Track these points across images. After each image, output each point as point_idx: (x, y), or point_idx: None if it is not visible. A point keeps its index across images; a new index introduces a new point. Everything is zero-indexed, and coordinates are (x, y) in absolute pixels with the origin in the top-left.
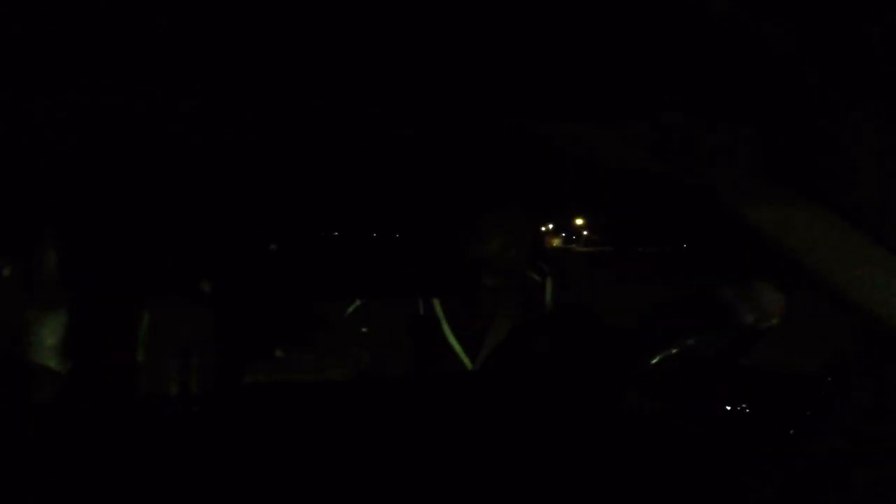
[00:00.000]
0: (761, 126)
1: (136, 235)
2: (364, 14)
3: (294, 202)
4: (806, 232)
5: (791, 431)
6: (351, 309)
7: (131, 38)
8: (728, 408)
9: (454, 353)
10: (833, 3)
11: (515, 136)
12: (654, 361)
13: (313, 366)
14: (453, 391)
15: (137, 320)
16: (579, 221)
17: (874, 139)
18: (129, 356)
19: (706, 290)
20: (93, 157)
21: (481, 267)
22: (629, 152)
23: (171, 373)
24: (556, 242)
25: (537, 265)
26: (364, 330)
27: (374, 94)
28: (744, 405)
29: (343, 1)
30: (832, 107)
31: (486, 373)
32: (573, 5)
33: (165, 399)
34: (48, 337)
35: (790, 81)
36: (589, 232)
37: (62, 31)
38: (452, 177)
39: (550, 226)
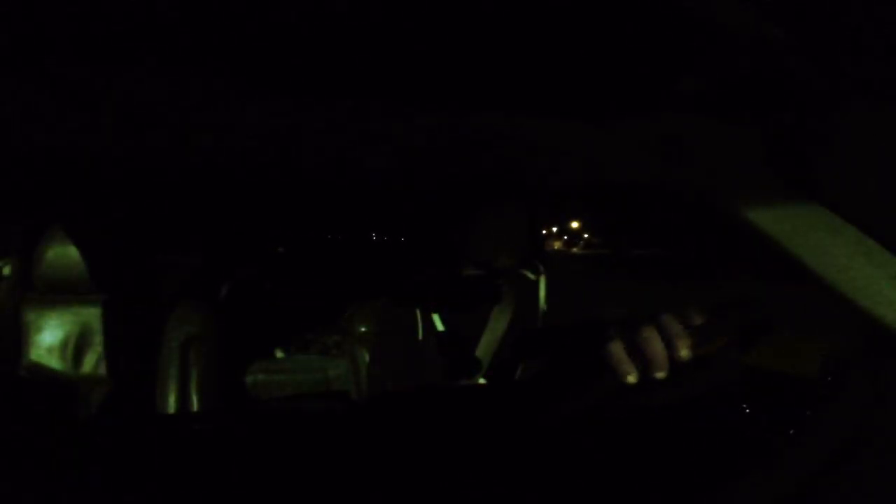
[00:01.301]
0: (761, 126)
1: (162, 237)
2: (360, 14)
3: (299, 206)
4: (806, 232)
5: (791, 431)
6: (351, 309)
7: (140, 30)
8: (728, 408)
9: (449, 353)
10: (833, 3)
11: (510, 136)
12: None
13: (313, 366)
14: (451, 395)
15: (163, 324)
16: (575, 224)
17: (874, 139)
18: (154, 362)
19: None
20: (113, 157)
21: (475, 266)
22: (627, 154)
23: (172, 376)
24: (557, 245)
25: (532, 264)
26: (363, 329)
27: (371, 94)
28: (744, 405)
29: (337, 3)
30: (832, 107)
31: (483, 375)
32: (571, 4)
33: (167, 412)
34: (48, 337)
35: (790, 81)
36: (589, 235)
37: (78, 19)
38: (447, 177)
39: (554, 229)
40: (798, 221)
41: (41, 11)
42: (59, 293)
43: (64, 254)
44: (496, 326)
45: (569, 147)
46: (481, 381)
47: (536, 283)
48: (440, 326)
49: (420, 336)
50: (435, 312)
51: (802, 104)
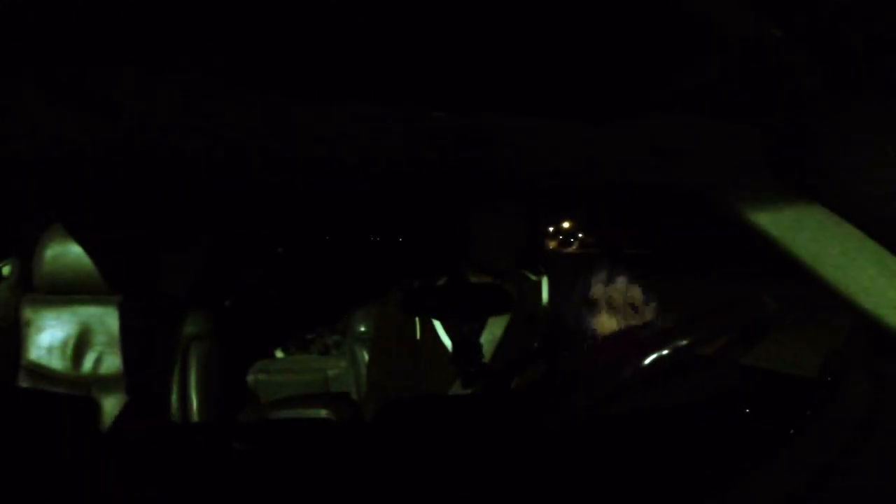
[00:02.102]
0: (761, 127)
1: (163, 237)
2: (356, 14)
3: (298, 205)
4: (806, 232)
5: (791, 431)
6: (351, 310)
7: (135, 31)
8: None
9: (448, 355)
10: (832, 4)
11: (510, 136)
12: (646, 362)
13: (313, 366)
14: (451, 398)
15: (164, 324)
16: (567, 224)
17: (873, 139)
18: (155, 362)
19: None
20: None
21: (475, 267)
22: (626, 154)
23: (172, 377)
24: (552, 245)
25: (533, 264)
26: (363, 329)
27: (371, 94)
28: (744, 405)
29: (335, 3)
30: (832, 107)
31: (483, 376)
32: (570, 4)
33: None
34: (48, 337)
35: (790, 82)
36: (584, 234)
37: (77, 21)
38: (444, 176)
39: (550, 229)
40: (798, 221)
41: (40, 14)
42: (60, 293)
43: (64, 254)
44: (496, 328)
45: (568, 147)
46: (481, 382)
47: (538, 283)
48: (440, 328)
49: (418, 338)
50: (434, 314)
51: (801, 104)
